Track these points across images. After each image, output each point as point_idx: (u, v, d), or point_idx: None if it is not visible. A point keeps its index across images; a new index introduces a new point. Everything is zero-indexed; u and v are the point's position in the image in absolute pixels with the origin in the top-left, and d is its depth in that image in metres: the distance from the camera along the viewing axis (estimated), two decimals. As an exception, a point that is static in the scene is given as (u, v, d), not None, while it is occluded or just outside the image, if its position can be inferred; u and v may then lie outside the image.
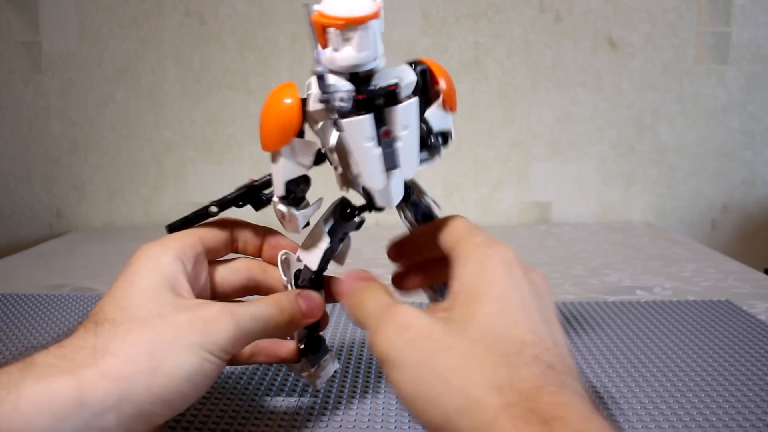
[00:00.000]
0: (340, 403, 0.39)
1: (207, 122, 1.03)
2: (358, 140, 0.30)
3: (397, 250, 0.36)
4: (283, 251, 0.35)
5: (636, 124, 1.01)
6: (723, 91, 1.00)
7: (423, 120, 0.32)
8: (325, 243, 0.34)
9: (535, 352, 0.25)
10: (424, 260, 0.36)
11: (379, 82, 0.30)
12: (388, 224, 0.97)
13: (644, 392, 0.40)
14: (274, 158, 0.32)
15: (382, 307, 0.28)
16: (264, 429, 0.36)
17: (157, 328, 0.28)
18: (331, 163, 0.33)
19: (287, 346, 0.37)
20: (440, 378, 0.24)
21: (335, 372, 0.42)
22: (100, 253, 0.85)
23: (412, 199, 0.36)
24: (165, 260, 0.31)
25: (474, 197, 1.04)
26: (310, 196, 0.34)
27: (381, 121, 0.30)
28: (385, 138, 0.30)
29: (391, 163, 0.30)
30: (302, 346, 0.37)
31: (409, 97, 0.31)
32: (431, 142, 0.33)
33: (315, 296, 0.34)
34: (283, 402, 0.39)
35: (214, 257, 0.35)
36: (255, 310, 0.31)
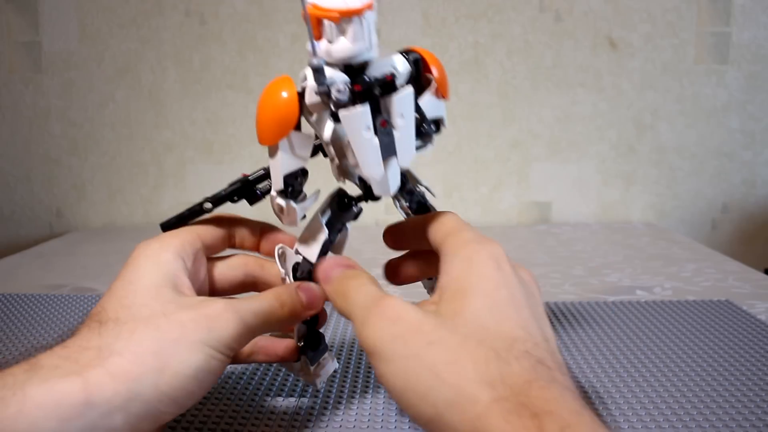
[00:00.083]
0: (340, 403, 0.39)
1: (207, 122, 1.03)
2: (355, 130, 0.30)
3: (393, 237, 0.36)
4: (280, 245, 0.35)
5: (636, 124, 1.01)
6: (723, 91, 1.00)
7: (417, 108, 0.33)
8: (323, 234, 0.35)
9: (526, 348, 0.25)
10: (418, 251, 0.36)
11: (374, 72, 0.30)
12: (388, 223, 0.97)
13: (644, 392, 0.40)
14: (272, 152, 0.32)
15: (370, 298, 0.28)
16: (264, 429, 0.36)
17: (162, 326, 0.28)
18: (325, 156, 0.34)
19: (286, 345, 0.37)
20: (431, 371, 0.24)
21: (335, 371, 0.42)
22: (100, 253, 0.85)
23: (408, 187, 0.36)
24: (165, 258, 0.31)
25: (474, 197, 1.04)
26: (306, 188, 0.34)
27: (377, 111, 0.30)
28: (382, 127, 0.30)
29: (388, 151, 0.31)
30: (301, 344, 0.36)
31: (404, 86, 0.31)
32: (425, 130, 0.33)
33: (314, 287, 0.34)
34: (283, 402, 0.39)
35: (211, 253, 0.35)
36: (257, 305, 0.31)
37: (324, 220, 0.35)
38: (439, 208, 0.36)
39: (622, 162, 1.02)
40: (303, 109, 0.31)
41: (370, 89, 0.30)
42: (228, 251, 0.37)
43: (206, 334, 0.28)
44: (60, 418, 0.24)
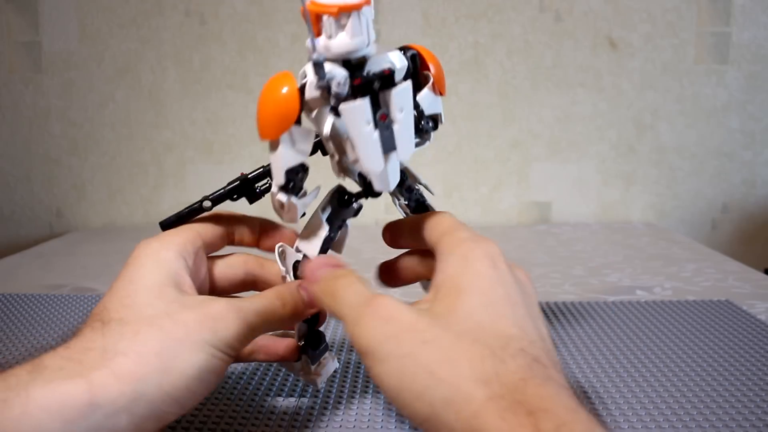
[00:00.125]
0: (340, 402, 0.39)
1: (207, 122, 1.03)
2: (356, 124, 0.30)
3: (391, 234, 0.36)
4: (280, 244, 0.35)
5: (636, 124, 1.01)
6: (723, 91, 1.00)
7: (415, 104, 0.33)
8: (324, 231, 0.35)
9: (521, 346, 0.25)
10: (413, 251, 0.36)
11: (372, 68, 0.31)
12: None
13: (644, 392, 0.40)
14: (273, 147, 0.32)
15: (361, 298, 0.28)
16: (264, 429, 0.36)
17: (166, 326, 0.28)
18: (323, 153, 0.34)
19: (287, 344, 0.37)
20: (425, 370, 0.24)
21: (335, 371, 0.42)
22: (100, 253, 0.85)
23: (407, 184, 0.36)
24: (167, 256, 0.31)
25: (474, 197, 1.04)
26: (306, 185, 0.34)
27: (377, 105, 0.31)
28: (381, 121, 0.31)
29: (388, 145, 0.31)
30: (302, 343, 0.36)
31: (402, 81, 0.31)
32: (422, 126, 0.34)
33: None
34: (283, 402, 0.39)
35: (211, 251, 0.35)
36: (259, 304, 0.31)
37: (324, 217, 0.35)
38: (438, 208, 0.36)
39: (622, 162, 1.02)
40: (303, 105, 0.31)
41: (369, 83, 0.30)
42: (228, 249, 0.37)
43: (210, 334, 0.28)
44: (64, 420, 0.24)
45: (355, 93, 0.30)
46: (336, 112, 0.31)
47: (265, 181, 0.34)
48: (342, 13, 0.29)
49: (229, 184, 0.34)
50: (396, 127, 0.31)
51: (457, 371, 0.23)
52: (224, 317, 0.29)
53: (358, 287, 0.29)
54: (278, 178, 0.32)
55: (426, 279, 0.37)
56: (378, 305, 0.27)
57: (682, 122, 1.01)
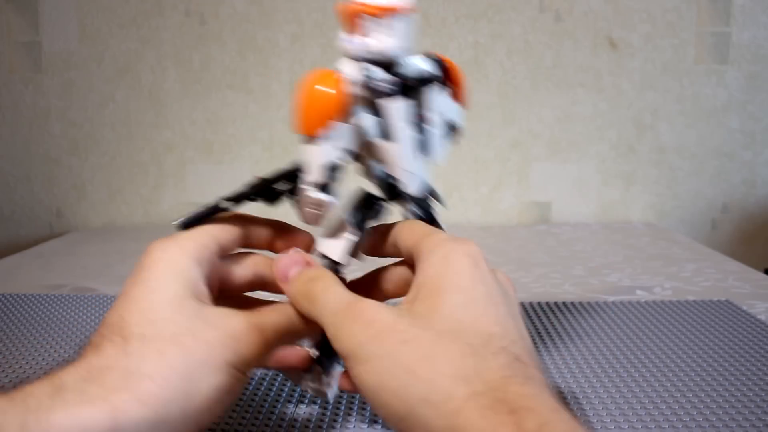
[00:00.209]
0: (351, 409, 0.39)
1: (207, 122, 1.03)
2: (395, 121, 0.30)
3: (371, 243, 0.36)
4: (295, 249, 0.34)
5: (636, 124, 1.01)
6: (723, 91, 1.00)
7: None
8: (350, 234, 0.34)
9: (503, 344, 0.24)
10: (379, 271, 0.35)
11: (408, 71, 0.31)
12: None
13: (644, 392, 0.40)
14: (313, 142, 0.31)
15: (341, 303, 0.27)
16: None
17: (189, 346, 0.27)
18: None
19: (299, 353, 0.35)
20: (404, 369, 0.24)
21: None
22: (100, 253, 0.85)
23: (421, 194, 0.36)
24: (185, 264, 0.30)
25: (474, 197, 1.04)
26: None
27: (414, 107, 0.31)
28: (419, 122, 0.31)
29: (423, 146, 0.32)
30: (316, 352, 0.35)
31: (439, 87, 0.32)
32: (446, 133, 0.34)
33: None
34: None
35: (225, 254, 0.34)
36: (278, 320, 0.31)
37: (349, 219, 0.34)
38: (438, 208, 0.36)
39: (622, 162, 1.02)
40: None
41: (408, 83, 0.31)
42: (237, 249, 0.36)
43: (231, 354, 0.28)
44: None
45: (395, 91, 0.30)
46: (372, 110, 0.31)
47: (283, 183, 0.34)
48: (394, 15, 0.29)
49: (248, 184, 0.34)
50: (431, 130, 0.32)
51: (437, 369, 0.23)
52: (245, 336, 0.29)
53: (337, 290, 0.28)
54: (315, 174, 0.32)
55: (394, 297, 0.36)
56: (359, 309, 0.27)
57: (682, 122, 1.01)
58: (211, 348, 0.28)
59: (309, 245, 0.35)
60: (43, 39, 1.03)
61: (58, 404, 0.24)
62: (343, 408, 0.38)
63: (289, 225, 0.36)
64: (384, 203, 0.35)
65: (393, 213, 0.35)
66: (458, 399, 0.22)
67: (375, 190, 0.35)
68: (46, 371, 0.44)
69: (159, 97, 1.03)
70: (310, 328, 0.31)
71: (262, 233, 0.35)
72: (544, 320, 0.54)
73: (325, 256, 0.34)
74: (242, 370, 0.28)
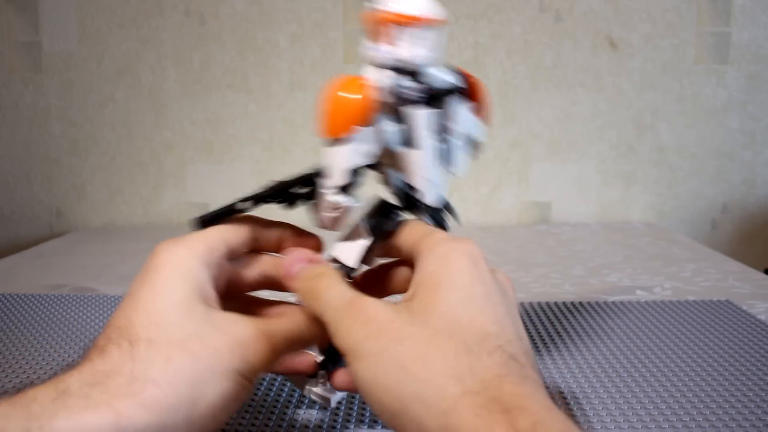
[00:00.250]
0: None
1: (207, 122, 1.03)
2: (419, 129, 0.31)
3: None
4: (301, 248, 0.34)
5: (636, 124, 1.01)
6: (723, 91, 1.00)
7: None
8: (366, 241, 0.34)
9: (499, 343, 0.24)
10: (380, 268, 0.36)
11: (433, 80, 0.32)
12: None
13: (644, 392, 0.40)
14: (339, 144, 0.31)
15: (343, 300, 0.28)
16: None
17: (197, 352, 0.27)
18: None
19: (305, 359, 0.35)
20: (398, 366, 0.24)
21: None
22: (100, 253, 0.85)
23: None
24: (193, 267, 0.30)
25: (474, 197, 1.04)
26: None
27: (438, 116, 0.32)
28: (442, 133, 0.32)
29: (445, 156, 0.32)
30: (322, 358, 0.35)
31: (462, 99, 0.32)
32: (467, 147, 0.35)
33: None
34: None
35: (233, 257, 0.34)
36: (286, 328, 0.30)
37: (367, 226, 0.34)
38: (455, 224, 0.36)
39: (622, 162, 1.02)
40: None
41: (434, 93, 0.31)
42: None
43: (239, 361, 0.28)
44: None
45: (420, 99, 0.31)
46: (395, 117, 0.31)
47: (300, 187, 0.34)
48: (427, 26, 0.30)
49: (267, 187, 0.34)
50: (453, 141, 0.32)
51: (430, 366, 0.23)
52: (253, 343, 0.28)
53: (341, 288, 0.29)
54: (338, 177, 0.32)
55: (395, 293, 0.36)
56: (359, 306, 0.27)
57: (682, 122, 1.01)
58: (218, 354, 0.27)
59: (318, 248, 0.35)
60: (43, 39, 1.03)
61: (61, 409, 0.24)
62: (342, 411, 0.38)
63: (298, 228, 0.36)
64: (400, 212, 0.35)
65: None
66: (451, 398, 0.22)
67: (392, 199, 0.35)
68: (47, 371, 0.45)
69: (159, 97, 1.03)
70: (318, 335, 0.31)
71: (271, 236, 0.35)
72: (543, 320, 0.54)
73: (337, 261, 0.34)
74: (249, 377, 0.28)
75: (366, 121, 0.31)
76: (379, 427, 0.36)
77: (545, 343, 0.49)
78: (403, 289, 0.34)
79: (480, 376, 0.23)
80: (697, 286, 0.65)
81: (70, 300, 0.61)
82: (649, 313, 0.55)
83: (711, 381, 0.41)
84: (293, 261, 0.32)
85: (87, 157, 1.06)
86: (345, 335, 0.26)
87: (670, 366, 0.44)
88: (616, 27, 0.98)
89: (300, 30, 1.00)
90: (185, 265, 0.30)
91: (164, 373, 0.26)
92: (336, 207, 0.33)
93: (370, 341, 0.25)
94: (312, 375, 0.35)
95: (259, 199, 0.34)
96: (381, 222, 0.34)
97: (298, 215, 0.37)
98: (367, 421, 0.37)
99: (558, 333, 0.51)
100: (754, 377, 0.42)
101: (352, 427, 0.36)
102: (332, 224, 0.34)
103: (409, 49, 0.30)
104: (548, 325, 0.53)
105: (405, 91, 0.30)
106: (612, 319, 0.54)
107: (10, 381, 0.43)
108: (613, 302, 0.59)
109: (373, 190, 0.35)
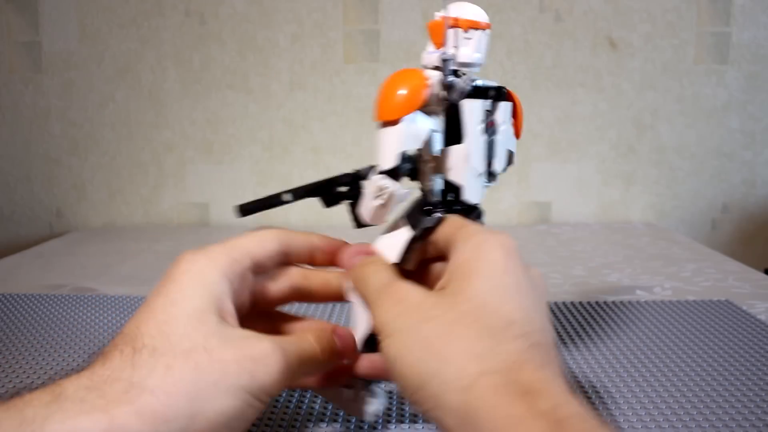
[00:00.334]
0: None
1: (207, 122, 1.03)
2: (471, 121, 0.33)
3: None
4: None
5: (636, 124, 1.01)
6: (723, 91, 1.00)
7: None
8: (407, 235, 0.33)
9: (523, 331, 0.25)
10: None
11: (483, 82, 0.34)
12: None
13: (644, 392, 0.40)
14: (392, 124, 0.32)
15: (383, 283, 0.29)
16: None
17: (202, 365, 0.26)
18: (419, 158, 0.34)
19: (340, 367, 0.33)
20: (422, 343, 0.25)
21: (386, 407, 0.38)
22: (100, 253, 0.85)
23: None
24: (212, 278, 0.29)
25: (474, 197, 1.03)
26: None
27: (487, 110, 0.34)
28: (489, 127, 0.34)
29: (491, 150, 0.34)
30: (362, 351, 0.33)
31: (506, 107, 0.35)
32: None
33: (350, 334, 0.32)
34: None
35: (260, 272, 0.33)
36: (301, 348, 0.30)
37: (408, 224, 0.33)
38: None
39: (622, 162, 1.02)
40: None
41: (484, 92, 0.34)
42: None
43: (249, 379, 0.26)
44: None
45: (472, 94, 0.33)
46: (448, 112, 0.33)
47: (342, 186, 0.34)
48: (472, 29, 0.34)
49: (311, 183, 0.34)
50: (498, 137, 0.34)
51: (452, 346, 0.24)
52: (267, 361, 0.27)
53: (383, 273, 0.30)
54: (389, 160, 0.32)
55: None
56: (394, 288, 0.28)
57: (682, 122, 1.01)
58: (224, 369, 0.26)
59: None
60: (43, 39, 1.03)
61: (55, 413, 0.23)
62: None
63: (328, 237, 0.35)
64: (441, 211, 0.34)
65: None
66: (470, 376, 0.23)
67: (433, 200, 0.35)
68: (47, 371, 0.45)
69: (159, 97, 1.03)
70: (329, 359, 0.31)
71: (302, 247, 0.34)
72: (544, 320, 0.54)
73: None
74: (257, 396, 0.27)
75: (421, 106, 0.32)
76: None
77: (545, 343, 0.48)
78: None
79: (501, 358, 0.23)
80: (697, 286, 0.65)
81: (70, 300, 0.61)
82: (649, 313, 0.55)
83: (711, 381, 0.41)
84: (353, 253, 0.33)
85: (87, 157, 1.06)
86: (379, 314, 0.28)
87: (670, 366, 0.44)
88: (616, 27, 0.98)
89: (300, 30, 1.00)
90: (205, 275, 0.29)
91: (162, 382, 0.25)
92: (381, 192, 0.32)
93: (399, 319, 0.26)
94: (347, 386, 0.34)
95: (301, 193, 0.34)
96: (421, 219, 0.33)
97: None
98: None
99: (557, 333, 0.51)
100: (754, 377, 0.42)
101: None
102: (375, 215, 0.33)
103: (465, 52, 0.33)
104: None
105: (459, 83, 0.33)
106: (612, 319, 0.54)
107: (10, 381, 0.43)
108: (613, 302, 0.59)
109: (413, 194, 0.35)
